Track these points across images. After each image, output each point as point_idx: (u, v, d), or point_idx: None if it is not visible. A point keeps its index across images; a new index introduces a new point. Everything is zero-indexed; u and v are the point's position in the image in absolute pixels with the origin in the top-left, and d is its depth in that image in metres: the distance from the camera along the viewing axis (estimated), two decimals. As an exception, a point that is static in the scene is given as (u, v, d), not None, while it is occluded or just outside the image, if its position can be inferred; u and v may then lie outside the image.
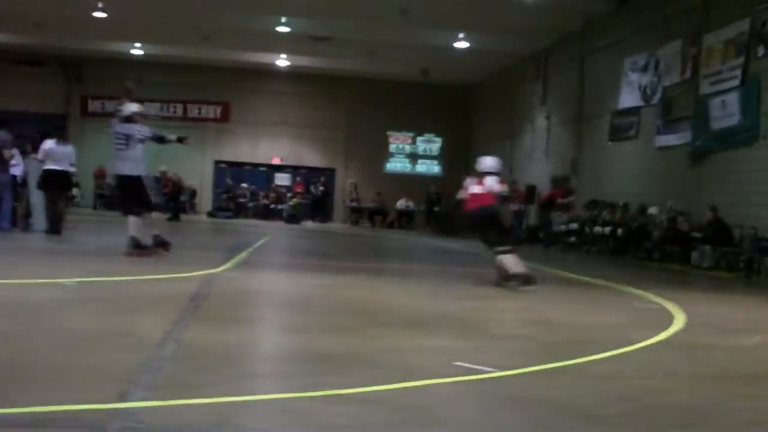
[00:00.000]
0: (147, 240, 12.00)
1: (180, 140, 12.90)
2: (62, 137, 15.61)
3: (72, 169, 15.86)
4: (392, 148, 37.94)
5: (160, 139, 12.54)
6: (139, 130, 12.03)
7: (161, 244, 12.26)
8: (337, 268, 13.14)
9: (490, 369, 5.27)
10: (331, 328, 6.85)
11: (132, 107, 12.26)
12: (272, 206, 35.36)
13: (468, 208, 10.96)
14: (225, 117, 36.50)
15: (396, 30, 27.11)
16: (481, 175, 11.04)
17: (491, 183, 10.90)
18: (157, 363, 5.00)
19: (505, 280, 10.54)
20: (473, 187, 10.94)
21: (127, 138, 11.91)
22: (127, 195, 12.17)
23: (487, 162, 11.21)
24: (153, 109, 36.64)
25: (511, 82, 31.83)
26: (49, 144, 15.24)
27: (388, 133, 37.57)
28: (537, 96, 29.13)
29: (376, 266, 14.76)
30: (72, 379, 4.52)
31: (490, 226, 10.87)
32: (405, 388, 4.70)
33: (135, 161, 11.96)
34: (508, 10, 23.86)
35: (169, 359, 5.16)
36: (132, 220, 11.77)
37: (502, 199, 11.49)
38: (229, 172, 36.65)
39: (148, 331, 6.00)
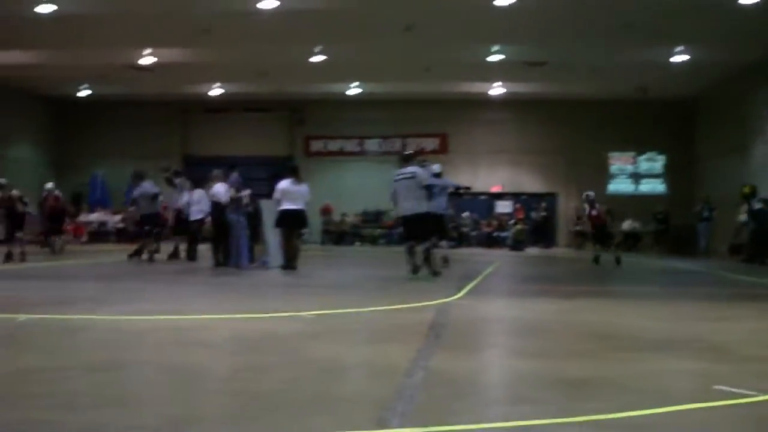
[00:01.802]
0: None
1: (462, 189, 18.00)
2: (297, 177, 16.20)
3: (306, 208, 16.48)
4: (613, 169, 37.06)
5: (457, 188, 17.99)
6: (450, 183, 17.26)
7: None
8: (568, 292, 12.91)
9: (753, 392, 4.99)
10: (573, 352, 6.71)
11: (436, 167, 16.86)
12: (494, 234, 35.34)
13: None
14: (443, 148, 36.87)
15: (612, 49, 26.57)
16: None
17: None
18: (409, 391, 5.05)
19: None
20: None
21: (441, 188, 16.35)
22: (428, 227, 14.84)
23: None
24: (372, 145, 37.70)
25: (736, 92, 30.36)
26: (284, 184, 15.88)
27: (609, 153, 36.76)
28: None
29: (607, 289, 14.39)
30: (331, 407, 4.65)
31: None
32: (665, 413, 4.52)
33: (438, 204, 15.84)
34: (728, 18, 22.84)
35: (420, 387, 5.19)
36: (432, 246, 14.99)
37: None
38: (451, 202, 36.86)
39: (394, 359, 6.08)
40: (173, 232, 20.33)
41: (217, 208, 16.59)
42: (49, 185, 23.32)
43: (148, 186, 19.25)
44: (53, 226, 23.01)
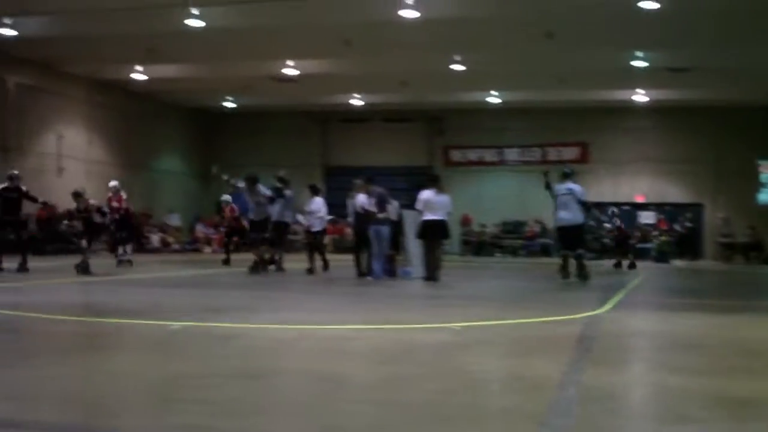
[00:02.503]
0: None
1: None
2: (438, 187, 16.16)
3: (448, 218, 16.39)
4: (764, 177, 35.56)
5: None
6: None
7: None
8: (720, 306, 12.42)
9: None
10: (731, 369, 6.42)
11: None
12: (637, 245, 34.43)
13: None
14: (584, 157, 36.22)
15: (760, 52, 25.56)
16: None
17: None
18: (564, 405, 4.92)
19: None
20: None
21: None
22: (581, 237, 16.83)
23: None
24: (511, 154, 37.39)
25: None
26: (426, 194, 15.87)
27: (759, 161, 35.32)
28: None
29: (761, 304, 13.77)
30: (482, 420, 4.58)
31: None
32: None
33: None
34: None
35: (574, 401, 5.06)
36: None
37: None
38: (591, 212, 36.18)
39: (544, 373, 5.96)
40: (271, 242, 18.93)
41: (359, 218, 16.71)
42: (226, 197, 22.64)
43: (262, 190, 18.58)
44: (233, 238, 22.43)
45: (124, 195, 19.91)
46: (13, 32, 25.16)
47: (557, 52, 26.21)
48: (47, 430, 4.19)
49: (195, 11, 22.78)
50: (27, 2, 22.90)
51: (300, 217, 20.02)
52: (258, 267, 17.74)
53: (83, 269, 16.37)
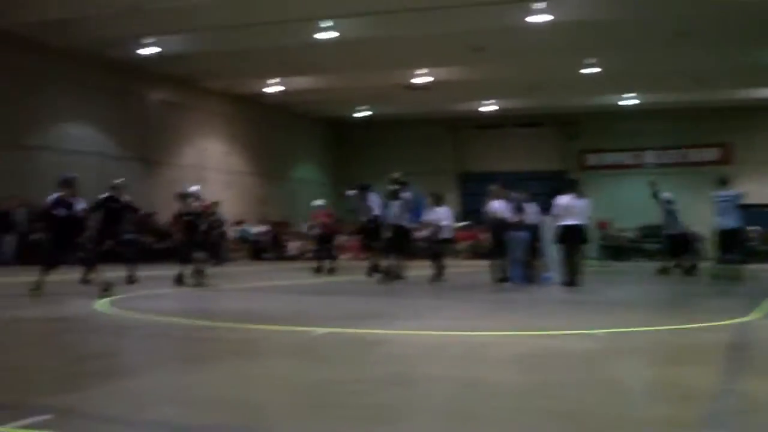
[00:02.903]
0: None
1: None
2: (577, 192, 15.92)
3: (587, 223, 16.11)
4: None
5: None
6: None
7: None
8: None
9: None
10: None
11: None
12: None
13: None
14: (726, 159, 35.06)
15: None
16: None
17: None
18: (721, 416, 4.79)
19: None
20: None
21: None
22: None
23: None
24: (650, 157, 36.55)
25: None
26: (565, 199, 15.68)
27: None
28: None
29: None
30: (640, 431, 4.49)
31: None
32: None
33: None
34: None
35: (731, 412, 4.92)
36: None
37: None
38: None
39: (696, 382, 5.80)
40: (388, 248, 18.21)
41: (496, 224, 16.63)
42: (319, 201, 22.56)
43: (372, 198, 18.37)
44: (324, 245, 21.70)
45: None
46: (155, 50, 26.15)
47: (692, 52, 25.56)
48: (211, 434, 4.35)
49: (328, 23, 23.19)
50: (167, 22, 23.76)
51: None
52: (388, 274, 17.30)
53: (178, 280, 15.64)
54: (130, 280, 15.40)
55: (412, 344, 8.01)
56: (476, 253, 29.59)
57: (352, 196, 19.01)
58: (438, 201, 18.30)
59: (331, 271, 20.74)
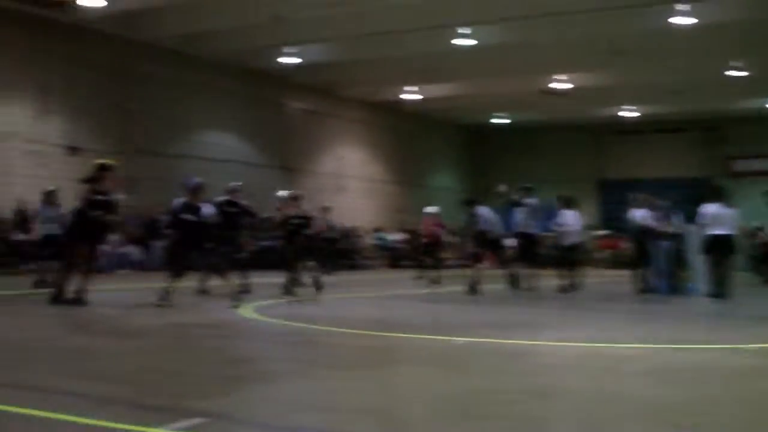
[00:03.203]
0: None
1: None
2: (725, 200, 15.29)
3: (736, 233, 15.48)
4: None
5: None
6: None
7: None
8: None
9: None
10: None
11: None
12: None
13: None
14: None
15: None
16: None
17: None
18: None
19: None
20: None
21: None
22: None
23: None
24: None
25: None
26: (712, 208, 15.11)
27: None
28: None
29: None
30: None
31: None
32: None
33: None
34: None
35: None
36: None
37: None
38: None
39: None
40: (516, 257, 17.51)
41: (639, 232, 16.23)
42: (431, 209, 21.12)
43: (483, 211, 16.73)
44: (429, 252, 20.62)
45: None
46: (295, 60, 26.73)
47: None
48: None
49: (466, 30, 23.20)
50: (307, 32, 24.25)
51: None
52: (514, 283, 16.69)
53: (287, 289, 14.51)
54: (245, 289, 14.14)
55: (554, 355, 7.90)
56: (617, 263, 28.93)
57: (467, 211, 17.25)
58: (567, 204, 17.36)
59: (435, 281, 19.13)
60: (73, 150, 23.38)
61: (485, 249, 17.03)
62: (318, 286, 14.85)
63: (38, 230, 16.05)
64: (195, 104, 27.05)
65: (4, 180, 21.90)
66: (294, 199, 15.26)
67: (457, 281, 17.02)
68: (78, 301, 11.75)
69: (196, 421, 4.62)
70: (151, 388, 5.83)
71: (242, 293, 13.29)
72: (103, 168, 12.30)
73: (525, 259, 17.14)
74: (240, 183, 15.43)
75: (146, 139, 25.26)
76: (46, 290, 13.11)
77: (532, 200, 17.13)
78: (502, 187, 17.72)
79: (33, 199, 20.78)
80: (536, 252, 17.48)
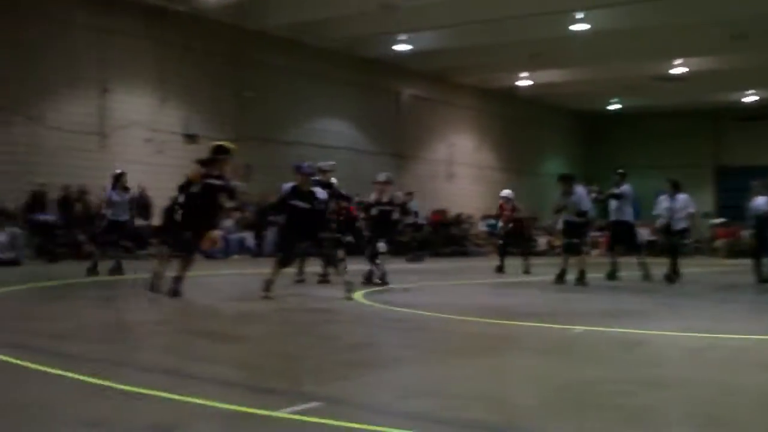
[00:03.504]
0: None
1: None
2: None
3: None
4: None
5: None
6: None
7: None
8: None
9: None
10: None
11: None
12: None
13: None
14: None
15: None
16: None
17: None
18: None
19: None
20: None
21: None
22: None
23: None
24: None
25: None
26: None
27: None
28: None
29: None
30: None
31: None
32: None
33: None
34: None
35: None
36: None
37: None
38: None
39: None
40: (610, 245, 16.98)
41: (761, 221, 15.72)
42: (506, 192, 20.05)
43: (579, 192, 15.34)
44: (511, 239, 19.49)
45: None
46: (407, 47, 26.80)
47: None
48: (472, 428, 4.40)
49: (580, 15, 22.87)
50: (420, 19, 24.26)
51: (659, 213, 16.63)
52: (613, 274, 15.82)
53: (367, 279, 13.60)
54: (324, 279, 13.63)
55: (670, 346, 7.77)
56: (735, 252, 28.15)
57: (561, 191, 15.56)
58: (676, 188, 16.39)
59: (527, 271, 18.36)
60: (191, 138, 23.98)
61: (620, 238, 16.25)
62: (379, 278, 13.52)
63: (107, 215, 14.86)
64: (308, 92, 27.37)
65: (127, 167, 22.54)
66: (384, 183, 14.13)
67: (548, 269, 16.68)
68: (175, 291, 10.69)
69: (314, 405, 4.71)
70: (270, 372, 5.98)
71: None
72: (220, 150, 11.17)
73: (622, 248, 16.60)
74: (332, 162, 14.27)
75: (261, 126, 25.70)
76: (98, 278, 13.44)
77: (625, 187, 16.43)
78: (595, 188, 16.77)
79: (153, 186, 21.57)
80: (633, 240, 16.78)
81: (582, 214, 15.01)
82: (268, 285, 11.10)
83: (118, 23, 22.56)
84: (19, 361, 5.90)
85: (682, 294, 13.96)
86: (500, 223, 19.75)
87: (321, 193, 11.71)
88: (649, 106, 37.41)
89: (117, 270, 14.62)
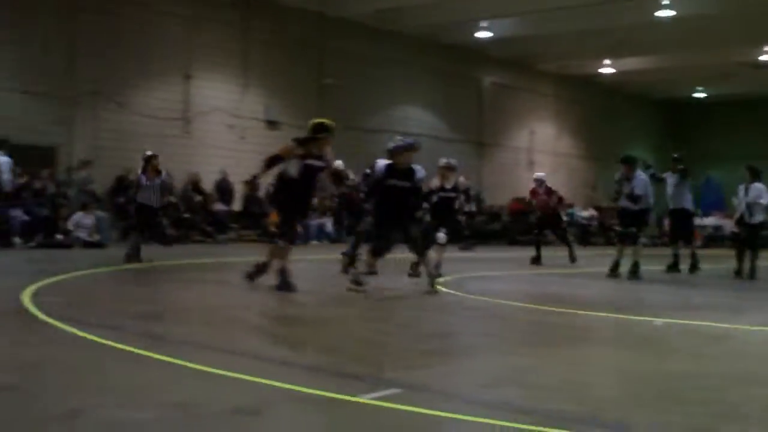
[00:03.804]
0: None
1: None
2: None
3: None
4: None
5: None
6: None
7: None
8: None
9: None
10: None
11: None
12: None
13: None
14: None
15: None
16: None
17: None
18: None
19: None
20: None
21: None
22: None
23: None
24: None
25: None
26: None
27: None
28: None
29: None
30: None
31: None
32: None
33: None
34: None
35: None
36: None
37: None
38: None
39: None
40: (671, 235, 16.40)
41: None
42: (539, 174, 19.14)
43: (640, 176, 14.13)
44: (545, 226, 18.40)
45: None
46: (488, 34, 26.67)
47: None
48: (555, 418, 4.37)
49: (666, 1, 22.46)
50: (502, 6, 24.09)
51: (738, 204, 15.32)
52: (636, 271, 13.88)
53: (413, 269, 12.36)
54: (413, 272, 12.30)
55: (753, 340, 7.61)
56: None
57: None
58: (756, 176, 14.86)
59: (572, 259, 17.35)
60: (272, 124, 24.24)
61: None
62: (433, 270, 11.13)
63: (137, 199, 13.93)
64: (389, 79, 27.42)
65: (209, 152, 23.00)
66: (447, 168, 12.72)
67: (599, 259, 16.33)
68: (287, 285, 9.83)
69: (395, 391, 4.73)
70: (351, 357, 6.00)
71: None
72: (321, 128, 9.98)
73: (681, 238, 16.03)
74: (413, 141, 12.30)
75: (341, 113, 25.80)
76: (138, 264, 13.19)
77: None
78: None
79: (235, 172, 21.86)
80: (688, 229, 16.25)
81: (636, 199, 13.82)
82: (357, 279, 10.15)
83: (204, 11, 22.89)
84: (109, 342, 6.04)
85: (755, 288, 13.54)
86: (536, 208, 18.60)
87: (420, 170, 10.39)
88: (734, 95, 36.54)
89: (134, 256, 13.62)
